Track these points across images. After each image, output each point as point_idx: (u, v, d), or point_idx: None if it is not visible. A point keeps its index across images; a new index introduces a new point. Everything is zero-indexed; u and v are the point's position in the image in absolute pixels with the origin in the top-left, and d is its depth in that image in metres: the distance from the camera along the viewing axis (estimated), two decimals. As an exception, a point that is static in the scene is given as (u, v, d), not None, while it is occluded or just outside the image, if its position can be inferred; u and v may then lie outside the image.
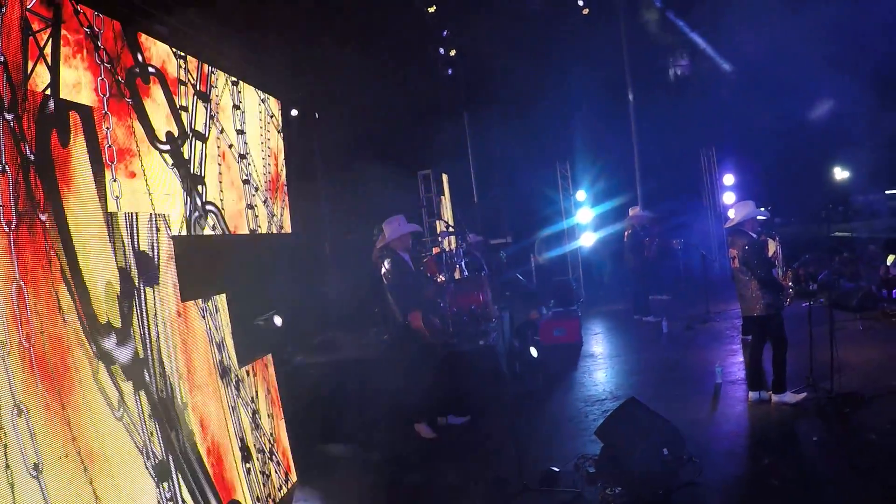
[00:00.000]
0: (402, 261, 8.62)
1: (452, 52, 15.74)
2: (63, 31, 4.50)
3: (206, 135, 6.57)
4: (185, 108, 6.20)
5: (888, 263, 13.53)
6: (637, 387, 9.80)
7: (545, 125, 19.49)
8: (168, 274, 5.50)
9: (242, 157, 7.47)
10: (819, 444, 7.09)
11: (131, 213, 5.04)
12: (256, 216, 7.78)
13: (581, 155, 19.91)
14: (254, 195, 7.72)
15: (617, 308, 17.27)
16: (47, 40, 4.34)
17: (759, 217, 8.81)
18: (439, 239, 12.07)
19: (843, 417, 7.61)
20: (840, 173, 22.18)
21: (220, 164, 6.82)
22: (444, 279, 10.25)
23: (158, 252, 5.36)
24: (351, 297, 10.88)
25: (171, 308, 5.49)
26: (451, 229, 12.25)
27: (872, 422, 7.43)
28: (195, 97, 6.40)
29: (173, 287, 5.57)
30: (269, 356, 7.67)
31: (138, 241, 5.09)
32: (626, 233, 15.51)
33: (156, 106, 5.66)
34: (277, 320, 8.00)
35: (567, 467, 7.16)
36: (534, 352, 11.64)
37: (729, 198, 19.65)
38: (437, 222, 13.77)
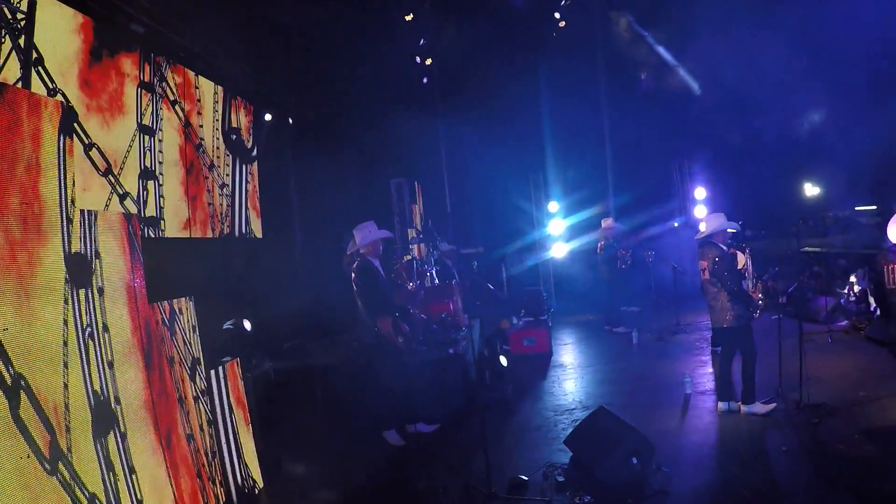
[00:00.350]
0: (372, 267, 8.57)
1: (428, 61, 15.74)
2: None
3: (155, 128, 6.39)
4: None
5: (851, 280, 13.68)
6: (607, 397, 9.80)
7: (519, 136, 19.54)
8: (117, 273, 5.30)
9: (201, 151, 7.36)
10: (788, 454, 7.11)
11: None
12: (224, 219, 7.67)
13: (554, 166, 19.93)
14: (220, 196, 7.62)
15: (587, 319, 17.28)
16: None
17: (729, 230, 8.85)
18: (409, 247, 12.02)
19: (811, 428, 7.66)
20: (811, 189, 22.33)
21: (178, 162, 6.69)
22: (414, 286, 10.20)
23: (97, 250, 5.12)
24: (321, 304, 10.79)
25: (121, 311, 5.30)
26: (422, 236, 12.19)
27: (841, 432, 7.50)
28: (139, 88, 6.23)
29: (126, 288, 5.40)
30: (237, 361, 7.55)
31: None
32: (599, 244, 15.53)
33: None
34: (246, 325, 7.90)
35: (536, 476, 7.12)
36: (503, 361, 11.61)
37: (700, 211, 19.74)
38: (409, 230, 13.72)
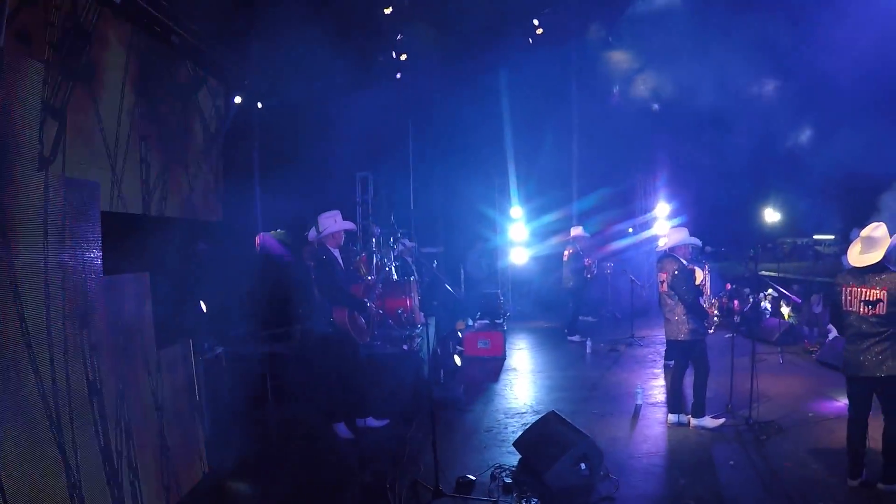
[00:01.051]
0: (333, 257, 8.48)
1: (403, 57, 15.65)
2: None
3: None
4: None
5: (811, 301, 13.94)
6: (558, 403, 9.78)
7: (486, 140, 19.51)
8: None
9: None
10: (735, 468, 7.19)
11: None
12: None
13: (519, 172, 19.91)
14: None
15: (543, 326, 17.35)
16: None
17: (691, 245, 8.91)
18: (371, 239, 11.93)
19: (759, 444, 7.77)
20: (771, 215, 22.68)
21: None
22: (373, 280, 10.12)
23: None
24: (277, 292, 10.69)
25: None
26: (383, 231, 12.12)
27: (789, 450, 7.63)
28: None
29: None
30: (189, 342, 7.43)
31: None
32: (566, 252, 15.45)
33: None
34: (202, 306, 7.80)
35: (483, 476, 7.12)
36: (457, 360, 11.58)
37: (661, 227, 19.88)
38: (373, 224, 13.63)
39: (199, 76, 8.63)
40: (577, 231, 15.60)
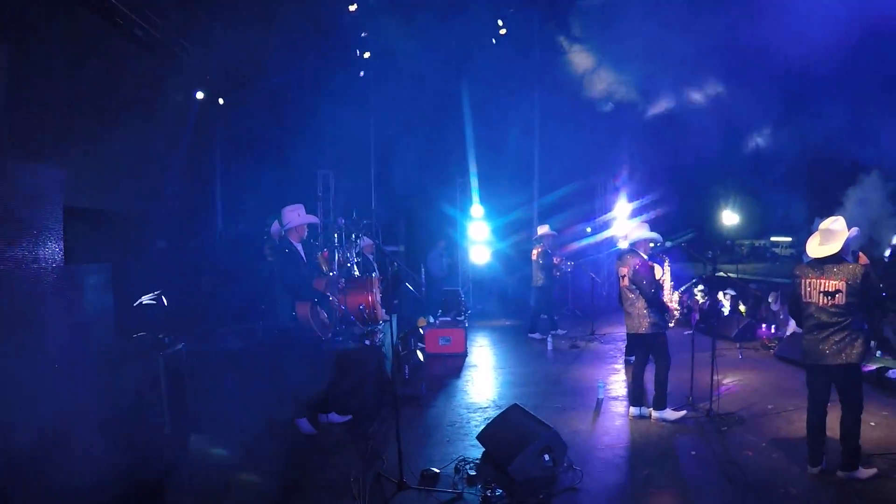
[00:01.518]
0: (295, 250, 8.43)
1: (367, 55, 15.62)
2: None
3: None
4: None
5: (769, 300, 14.19)
6: (520, 398, 9.79)
7: (448, 140, 19.55)
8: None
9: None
10: (697, 458, 7.28)
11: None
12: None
13: (481, 172, 19.95)
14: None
15: (504, 324, 17.42)
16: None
17: (651, 243, 9.00)
18: (334, 235, 11.86)
19: (721, 435, 7.87)
20: (729, 217, 22.96)
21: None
22: (335, 274, 10.06)
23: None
24: (238, 289, 10.61)
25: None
26: (345, 225, 12.06)
27: (750, 440, 7.76)
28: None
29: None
30: (151, 336, 7.33)
31: None
32: (534, 251, 15.43)
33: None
34: (163, 300, 7.71)
35: (448, 469, 7.10)
36: (420, 355, 11.56)
37: (621, 227, 20.02)
38: (339, 219, 13.56)
39: (162, 70, 8.54)
40: (544, 229, 15.58)
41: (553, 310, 15.69)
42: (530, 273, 15.40)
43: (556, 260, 15.23)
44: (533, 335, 15.01)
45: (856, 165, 10.89)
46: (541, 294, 15.31)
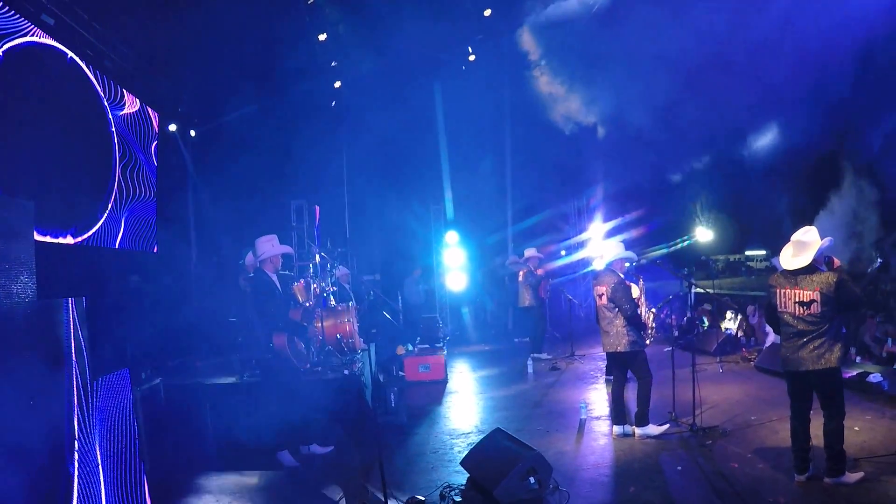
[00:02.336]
0: (270, 280, 8.37)
1: (337, 84, 15.62)
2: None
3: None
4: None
5: (747, 312, 14.30)
6: (502, 422, 9.72)
7: (421, 166, 19.60)
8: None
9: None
10: (683, 473, 7.26)
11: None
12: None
13: (455, 197, 20.00)
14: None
15: (483, 349, 17.40)
16: None
17: (626, 263, 9.04)
18: (310, 265, 11.80)
19: (705, 449, 7.87)
20: (703, 233, 23.08)
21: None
22: (311, 304, 10.00)
23: None
24: (215, 322, 10.51)
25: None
26: (321, 255, 12.01)
27: (734, 452, 7.76)
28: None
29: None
30: (126, 372, 7.20)
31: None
32: (520, 273, 15.50)
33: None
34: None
35: (433, 496, 7.03)
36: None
37: (595, 247, 20.09)
38: (314, 248, 13.51)
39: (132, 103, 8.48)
40: (530, 252, 15.65)
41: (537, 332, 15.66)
42: (510, 297, 15.44)
43: (538, 271, 15.29)
44: (539, 355, 14.89)
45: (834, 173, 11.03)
46: (532, 313, 15.31)
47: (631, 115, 17.17)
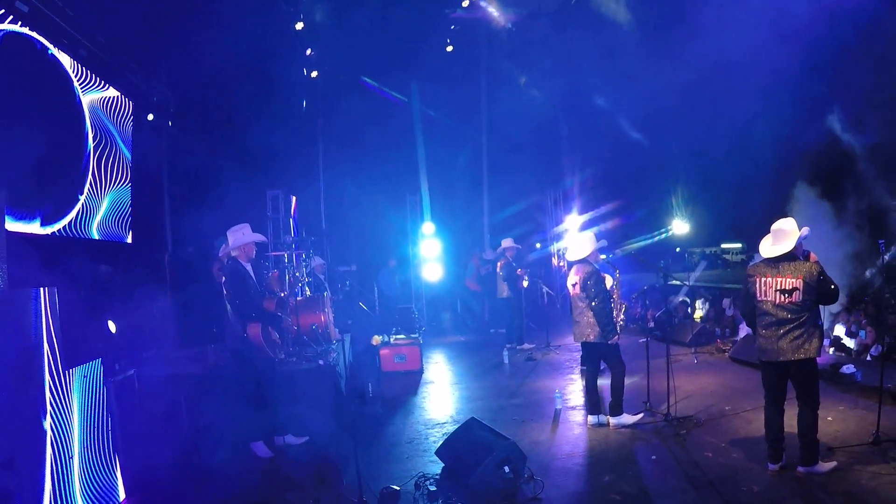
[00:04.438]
0: (244, 270, 8.29)
1: (314, 74, 15.53)
2: None
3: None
4: None
5: (724, 306, 14.41)
6: (478, 412, 9.69)
7: (398, 157, 19.55)
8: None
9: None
10: (658, 462, 7.29)
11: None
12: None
13: (431, 188, 19.96)
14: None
15: (459, 340, 17.38)
16: None
17: (601, 255, 9.07)
18: (284, 254, 11.75)
19: (680, 438, 7.91)
20: (680, 226, 23.24)
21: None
22: (286, 294, 9.95)
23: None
24: (189, 312, 10.43)
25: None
26: (296, 246, 11.96)
27: (709, 441, 7.80)
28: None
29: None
30: (98, 363, 7.13)
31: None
32: (498, 264, 15.57)
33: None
34: (111, 326, 7.52)
35: (408, 486, 7.01)
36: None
37: (571, 238, 20.16)
38: (288, 237, 13.45)
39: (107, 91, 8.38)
40: (507, 243, 15.69)
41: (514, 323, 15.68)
42: (487, 287, 15.47)
43: (518, 271, 15.33)
44: (521, 346, 14.95)
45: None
46: (510, 304, 15.36)
47: (608, 107, 17.30)
